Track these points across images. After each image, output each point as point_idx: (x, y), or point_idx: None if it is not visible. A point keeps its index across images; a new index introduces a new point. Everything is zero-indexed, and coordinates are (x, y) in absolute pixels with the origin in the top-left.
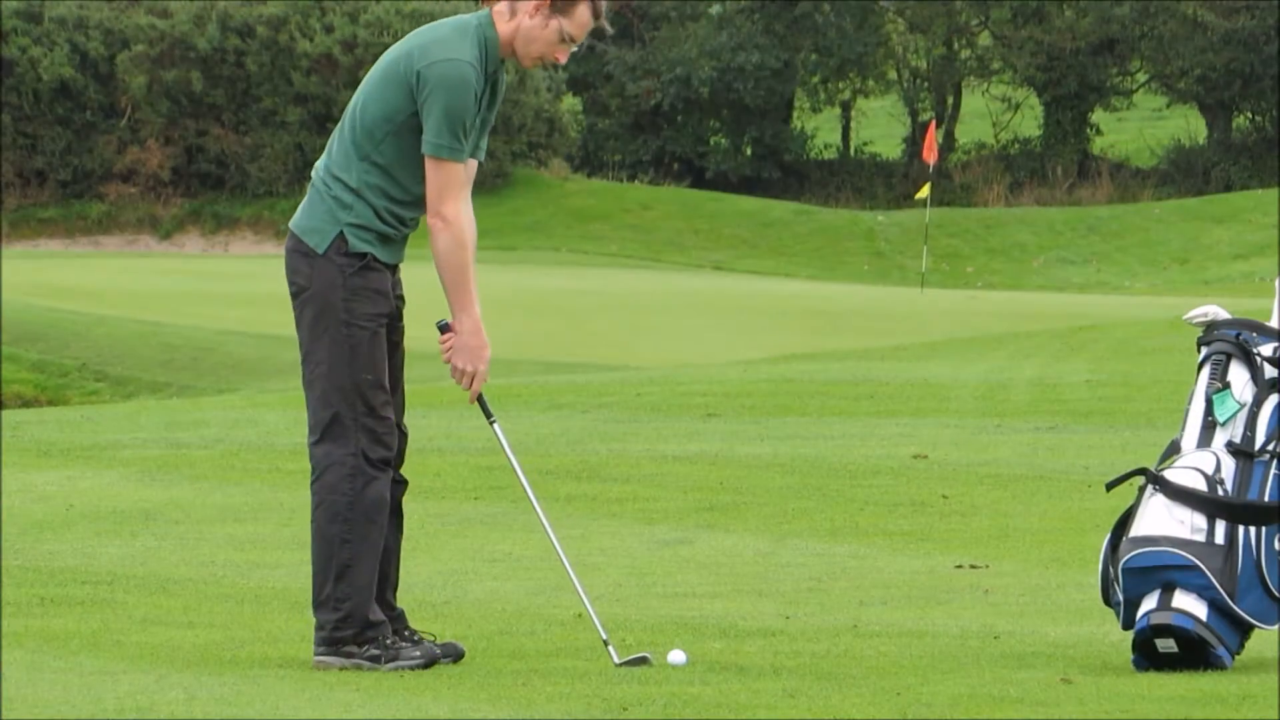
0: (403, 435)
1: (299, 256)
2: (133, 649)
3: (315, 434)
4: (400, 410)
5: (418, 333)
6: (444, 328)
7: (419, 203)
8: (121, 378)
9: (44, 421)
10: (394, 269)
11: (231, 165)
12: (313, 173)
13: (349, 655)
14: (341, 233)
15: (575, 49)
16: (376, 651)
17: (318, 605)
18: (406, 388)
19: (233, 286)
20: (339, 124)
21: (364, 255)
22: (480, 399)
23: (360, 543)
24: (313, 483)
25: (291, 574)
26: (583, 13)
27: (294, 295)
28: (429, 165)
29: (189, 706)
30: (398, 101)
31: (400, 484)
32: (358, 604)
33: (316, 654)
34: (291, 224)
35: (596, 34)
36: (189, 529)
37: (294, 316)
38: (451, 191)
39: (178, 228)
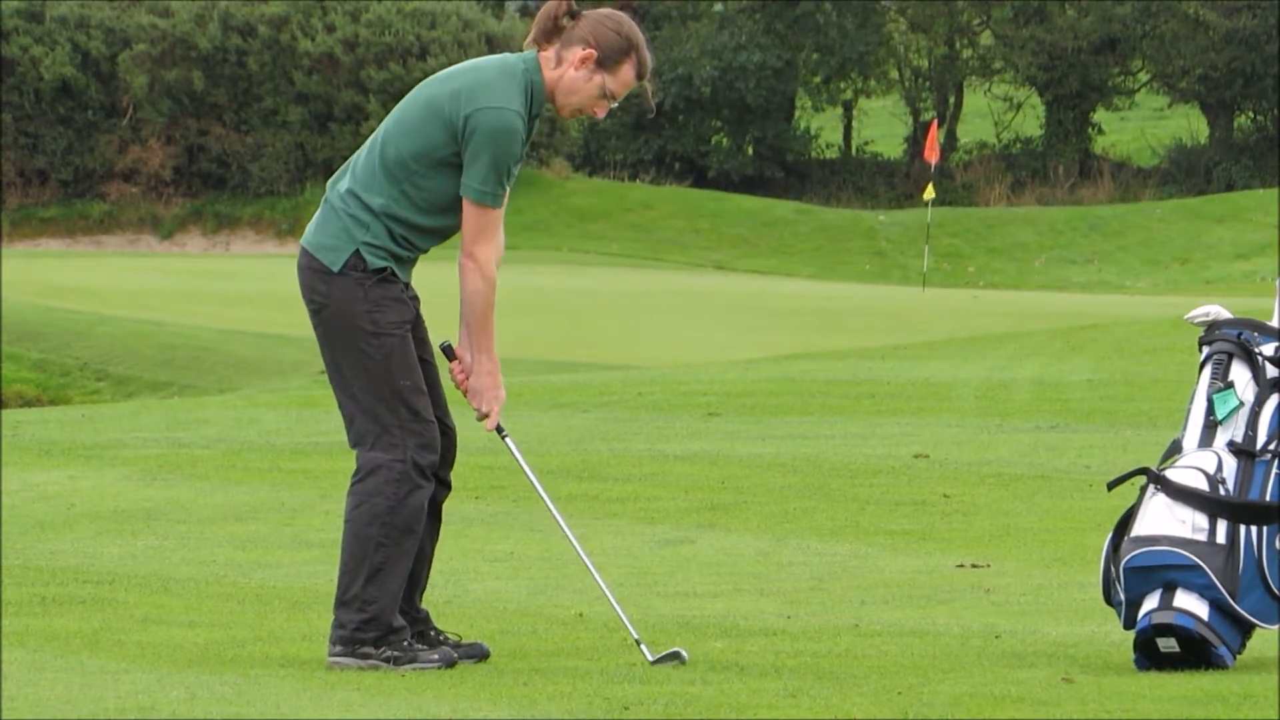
0: (450, 430)
1: (314, 274)
2: (134, 648)
3: (366, 444)
4: (443, 406)
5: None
6: (447, 351)
7: (439, 233)
8: (122, 377)
9: (45, 421)
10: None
11: (233, 165)
12: (328, 189)
13: (365, 657)
14: (357, 250)
15: (613, 105)
16: (394, 653)
17: (341, 604)
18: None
19: (234, 286)
20: (366, 145)
21: (381, 269)
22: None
23: (395, 548)
24: (355, 483)
25: (293, 573)
26: (627, 71)
27: (314, 313)
28: (468, 208)
29: (190, 706)
30: (439, 139)
31: (445, 487)
32: (384, 608)
33: (331, 653)
34: (304, 241)
35: (638, 98)
36: (190, 528)
37: (316, 335)
38: (488, 235)
39: (179, 227)
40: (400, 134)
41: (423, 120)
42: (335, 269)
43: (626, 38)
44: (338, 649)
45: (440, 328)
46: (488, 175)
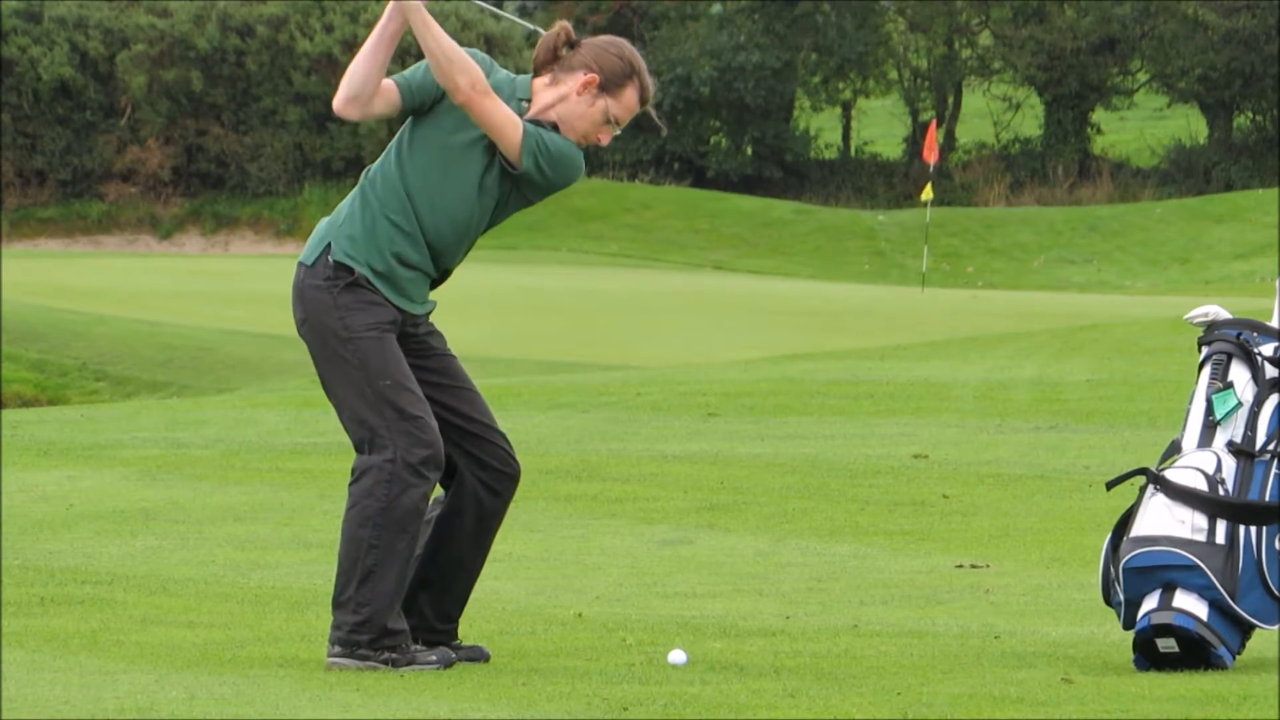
0: (495, 440)
1: (296, 289)
2: (133, 649)
3: (363, 449)
4: (485, 411)
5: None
6: None
7: (426, 247)
8: (121, 377)
9: (44, 421)
10: (409, 315)
11: (231, 165)
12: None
13: (364, 659)
14: (329, 244)
15: (617, 131)
16: (393, 655)
17: (337, 605)
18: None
19: (233, 286)
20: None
21: (350, 271)
22: None
23: (387, 550)
24: (350, 485)
25: (292, 574)
26: (630, 95)
27: (298, 328)
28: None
29: (189, 706)
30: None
31: (496, 497)
32: (378, 610)
33: (330, 654)
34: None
35: (644, 121)
36: (189, 529)
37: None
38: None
39: (178, 227)
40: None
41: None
42: (309, 263)
43: (628, 61)
44: (336, 650)
45: (451, 328)
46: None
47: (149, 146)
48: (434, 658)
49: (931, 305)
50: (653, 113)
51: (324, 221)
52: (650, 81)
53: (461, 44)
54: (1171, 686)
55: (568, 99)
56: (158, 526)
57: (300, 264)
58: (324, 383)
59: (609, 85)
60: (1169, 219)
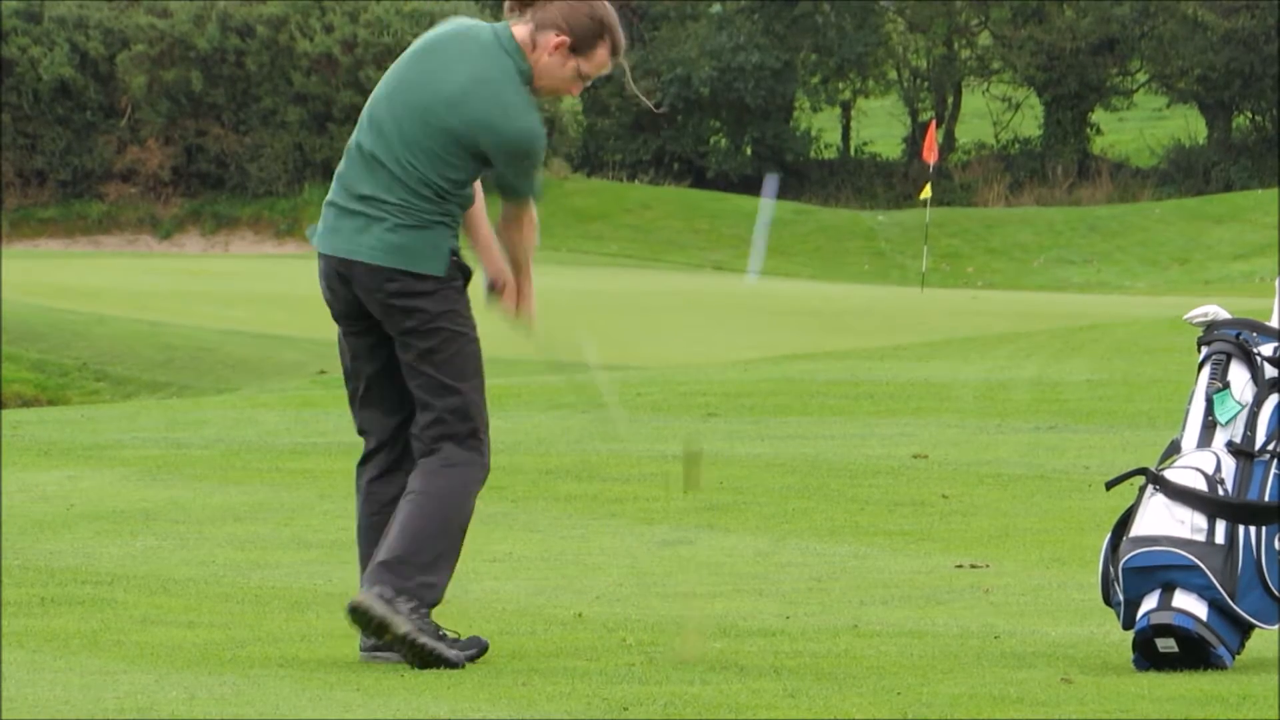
0: None
1: (407, 296)
2: (133, 649)
3: (454, 440)
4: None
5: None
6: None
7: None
8: (121, 377)
9: (44, 421)
10: None
11: (231, 165)
12: (388, 195)
13: (397, 610)
14: (453, 250)
15: (587, 84)
16: (420, 622)
17: (406, 562)
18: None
19: (233, 286)
20: (382, 150)
21: (467, 270)
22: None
23: (460, 540)
24: (442, 465)
25: (292, 574)
26: (601, 54)
27: (411, 330)
28: (526, 202)
29: (189, 706)
30: (472, 166)
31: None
32: (440, 591)
33: (370, 593)
34: (380, 259)
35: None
36: (189, 529)
37: (417, 352)
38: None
39: (178, 227)
40: (428, 163)
41: (446, 151)
42: (441, 272)
43: (599, 20)
44: (381, 590)
45: None
46: (533, 179)
47: (149, 147)
48: (452, 657)
49: (931, 305)
50: (625, 66)
51: (432, 229)
52: (621, 35)
53: None
54: (1171, 686)
55: (539, 61)
56: (158, 526)
57: (405, 272)
58: (436, 375)
59: (580, 47)
60: (1168, 219)
